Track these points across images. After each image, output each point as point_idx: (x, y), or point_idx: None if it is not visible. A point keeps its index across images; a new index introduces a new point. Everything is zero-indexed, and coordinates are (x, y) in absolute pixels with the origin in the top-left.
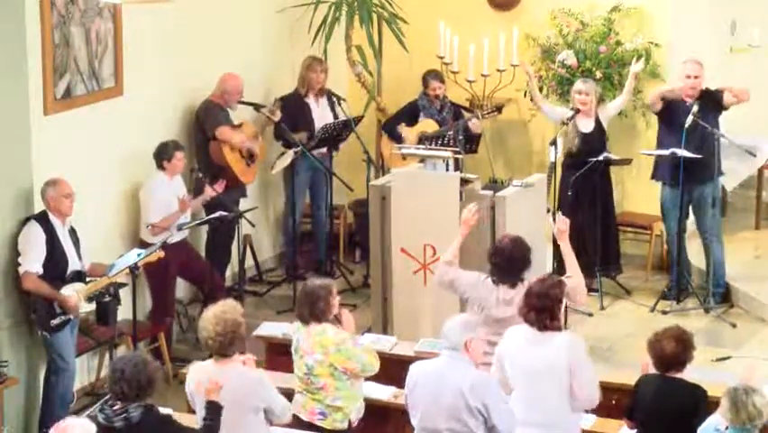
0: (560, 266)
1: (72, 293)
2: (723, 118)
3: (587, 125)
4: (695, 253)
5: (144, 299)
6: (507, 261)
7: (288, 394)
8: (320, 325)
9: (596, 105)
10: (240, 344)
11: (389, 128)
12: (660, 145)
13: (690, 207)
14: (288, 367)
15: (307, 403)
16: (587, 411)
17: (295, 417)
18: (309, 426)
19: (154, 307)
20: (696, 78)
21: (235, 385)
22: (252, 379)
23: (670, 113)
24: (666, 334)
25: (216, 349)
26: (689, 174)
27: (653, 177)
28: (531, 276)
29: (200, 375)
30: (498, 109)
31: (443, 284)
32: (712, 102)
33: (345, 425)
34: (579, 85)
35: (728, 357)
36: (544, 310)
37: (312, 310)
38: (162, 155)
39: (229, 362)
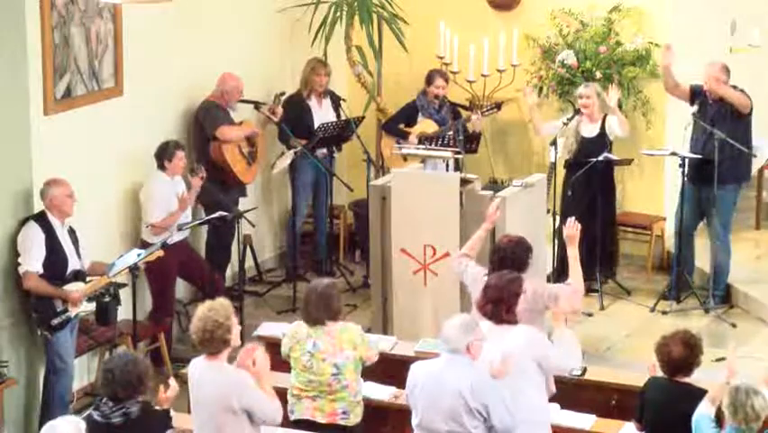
0: (560, 266)
1: (73, 288)
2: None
3: (591, 130)
4: (699, 253)
5: (144, 300)
6: (508, 261)
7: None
8: (338, 322)
9: (599, 106)
10: (221, 344)
11: (389, 129)
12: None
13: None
14: (287, 367)
15: (326, 405)
16: (587, 412)
17: (308, 421)
18: (329, 427)
19: (154, 307)
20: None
21: (216, 383)
22: (232, 380)
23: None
24: (674, 337)
25: (200, 345)
26: (700, 175)
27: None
28: (531, 277)
29: (193, 371)
30: (498, 106)
31: (457, 275)
32: (732, 106)
33: (361, 418)
34: (580, 89)
35: (723, 358)
36: (500, 303)
37: (328, 310)
38: (163, 155)
39: (215, 359)
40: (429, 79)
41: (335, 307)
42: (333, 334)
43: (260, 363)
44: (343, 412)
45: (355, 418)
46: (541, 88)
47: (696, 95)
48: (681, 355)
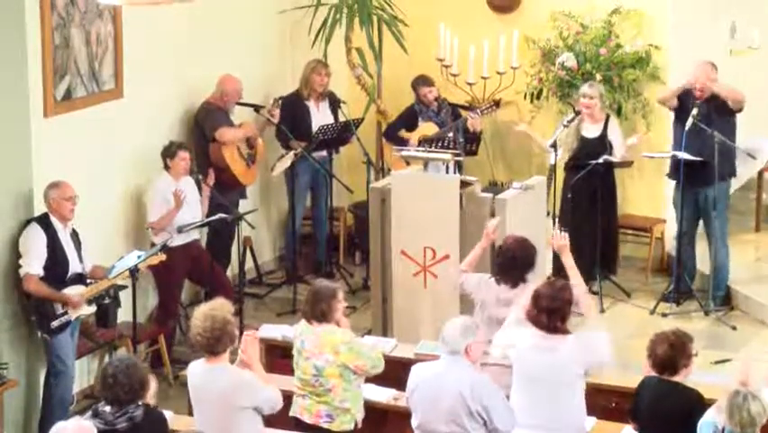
0: (558, 270)
1: (74, 292)
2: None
3: (592, 131)
4: (698, 255)
5: (145, 301)
6: (510, 260)
7: (287, 397)
8: (327, 325)
9: (600, 108)
10: (228, 342)
11: (390, 134)
12: (674, 144)
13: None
14: (287, 370)
15: (312, 406)
16: (587, 414)
17: (296, 420)
18: (313, 428)
19: (159, 308)
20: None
21: (224, 385)
22: (240, 380)
23: (682, 112)
24: (662, 336)
25: (204, 346)
26: (694, 176)
27: (669, 175)
28: (533, 278)
29: (194, 375)
30: (496, 103)
31: (458, 289)
32: (722, 105)
33: (352, 426)
34: (585, 89)
35: (728, 360)
36: (555, 312)
37: (313, 310)
38: (166, 154)
39: (218, 361)
40: (414, 91)
41: (321, 308)
42: (319, 335)
43: (250, 348)
44: (327, 416)
45: (342, 424)
46: (540, 91)
47: (683, 98)
48: (665, 355)
